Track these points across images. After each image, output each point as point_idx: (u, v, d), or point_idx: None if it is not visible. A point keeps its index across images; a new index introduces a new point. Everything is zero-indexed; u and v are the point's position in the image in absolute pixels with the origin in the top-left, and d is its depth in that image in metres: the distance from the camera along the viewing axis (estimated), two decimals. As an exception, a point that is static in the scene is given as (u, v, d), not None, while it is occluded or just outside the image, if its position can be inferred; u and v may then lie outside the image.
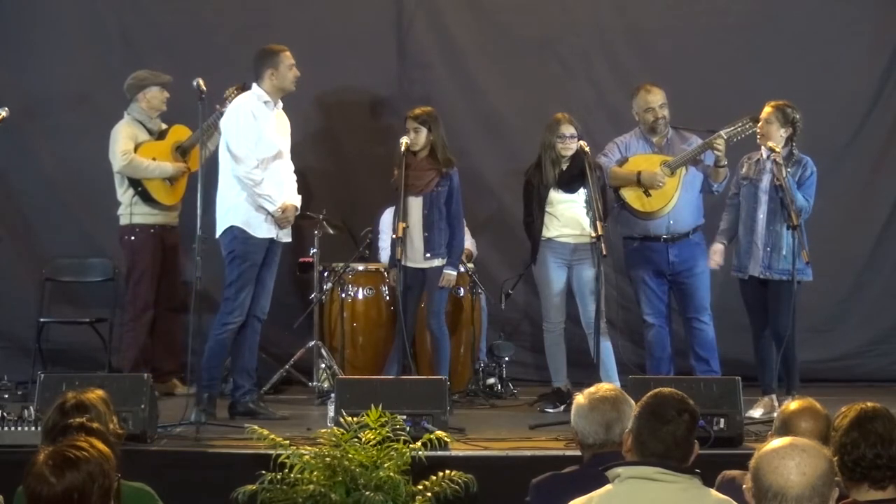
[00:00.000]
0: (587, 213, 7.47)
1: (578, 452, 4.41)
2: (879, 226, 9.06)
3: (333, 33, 9.01)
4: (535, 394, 7.99)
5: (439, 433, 5.74)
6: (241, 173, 7.04)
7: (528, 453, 6.14)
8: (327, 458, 5.33)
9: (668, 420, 3.60)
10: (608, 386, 4.45)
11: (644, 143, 7.72)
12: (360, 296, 8.30)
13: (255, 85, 7.18)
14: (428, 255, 7.59)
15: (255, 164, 7.05)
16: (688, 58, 8.97)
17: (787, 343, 7.04)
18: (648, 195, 7.57)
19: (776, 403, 6.91)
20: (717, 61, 8.94)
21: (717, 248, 7.49)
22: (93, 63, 8.94)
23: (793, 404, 4.01)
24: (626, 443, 3.72)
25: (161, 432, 6.39)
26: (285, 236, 7.25)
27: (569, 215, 7.54)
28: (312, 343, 8.09)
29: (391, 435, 5.44)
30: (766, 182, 7.17)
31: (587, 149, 7.36)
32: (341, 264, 8.32)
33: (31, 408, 5.98)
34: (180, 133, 8.17)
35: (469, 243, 8.30)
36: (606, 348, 7.46)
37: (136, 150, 8.00)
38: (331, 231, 8.33)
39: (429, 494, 5.34)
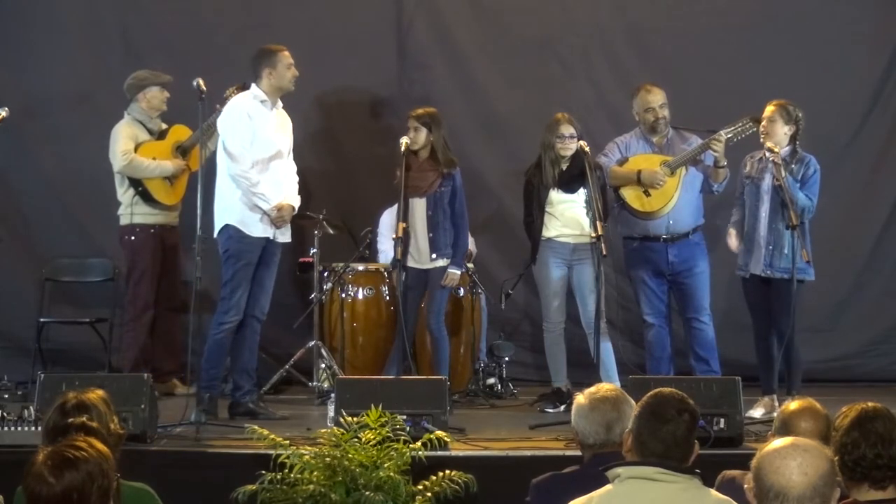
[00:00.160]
0: (587, 214, 7.47)
1: (578, 452, 4.41)
2: (879, 226, 9.07)
3: (333, 33, 9.01)
4: (535, 394, 7.99)
5: (439, 433, 5.74)
6: (235, 172, 7.03)
7: (528, 453, 6.14)
8: (327, 458, 5.33)
9: (668, 420, 3.60)
10: (608, 386, 4.45)
11: (644, 143, 7.72)
12: (360, 296, 8.29)
13: (253, 85, 7.17)
14: (434, 255, 7.60)
15: (250, 163, 7.04)
16: (688, 58, 8.97)
17: (787, 342, 7.03)
18: (648, 195, 7.57)
19: (776, 403, 6.91)
20: (717, 61, 8.94)
21: (732, 233, 7.48)
22: (93, 63, 8.95)
23: (793, 404, 4.01)
24: (626, 443, 3.72)
25: (161, 432, 6.38)
26: (282, 236, 7.23)
27: (568, 215, 7.54)
28: (312, 343, 8.08)
29: (391, 435, 5.44)
30: (767, 181, 7.17)
31: (587, 149, 7.36)
32: (341, 264, 8.32)
33: (31, 408, 5.97)
34: (180, 133, 8.17)
35: (469, 243, 8.29)
36: (606, 348, 7.46)
37: (136, 149, 8.00)
38: (331, 231, 8.33)
39: (429, 494, 5.34)
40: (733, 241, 7.47)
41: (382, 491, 5.25)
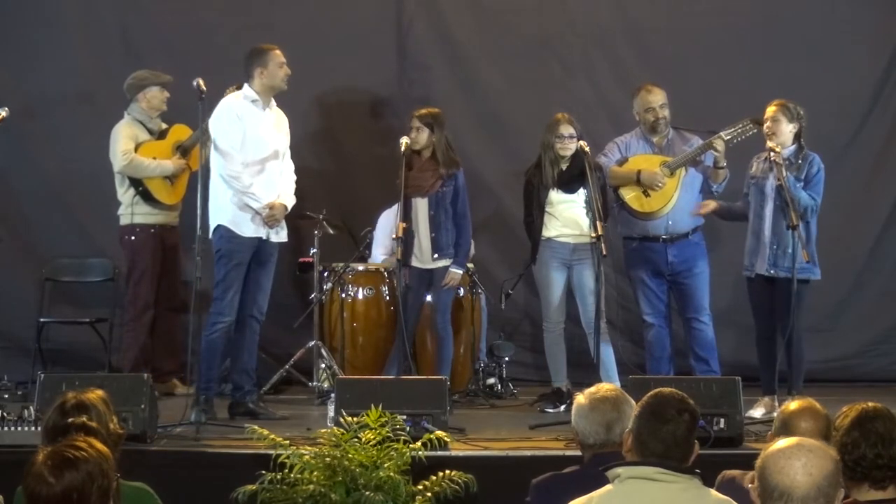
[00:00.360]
0: (587, 214, 7.46)
1: (578, 452, 4.41)
2: (879, 226, 9.07)
3: (333, 33, 9.01)
4: (535, 394, 7.99)
5: (439, 433, 5.73)
6: (225, 172, 7.03)
7: (528, 453, 6.13)
8: (327, 458, 5.33)
9: (668, 420, 3.60)
10: (609, 386, 4.45)
11: (644, 144, 7.72)
12: (360, 296, 8.29)
13: (245, 85, 7.16)
14: (436, 255, 7.60)
15: (240, 163, 7.02)
16: (688, 58, 8.97)
17: (788, 340, 7.03)
18: (647, 195, 7.57)
19: (777, 403, 6.91)
20: (717, 61, 8.95)
21: (710, 203, 7.50)
22: (93, 63, 8.95)
23: (793, 404, 4.00)
24: (626, 443, 3.72)
25: (161, 432, 6.38)
26: (277, 236, 7.20)
27: (568, 215, 7.54)
28: (312, 343, 8.08)
29: (391, 435, 5.44)
30: (771, 181, 7.16)
31: (587, 149, 7.36)
32: (341, 264, 8.32)
33: (31, 408, 5.97)
34: (181, 133, 8.17)
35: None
36: (606, 349, 7.46)
37: (136, 149, 8.00)
38: (331, 231, 8.32)
39: (429, 494, 5.34)
40: (706, 209, 7.52)
41: (382, 491, 5.25)
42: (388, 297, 8.24)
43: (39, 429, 4.75)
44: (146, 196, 8.01)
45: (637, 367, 7.87)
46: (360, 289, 8.29)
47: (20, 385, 8.03)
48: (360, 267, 8.38)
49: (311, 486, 5.25)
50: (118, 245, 8.22)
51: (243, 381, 7.15)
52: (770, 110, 7.26)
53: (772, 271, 7.18)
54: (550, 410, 7.45)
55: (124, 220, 8.08)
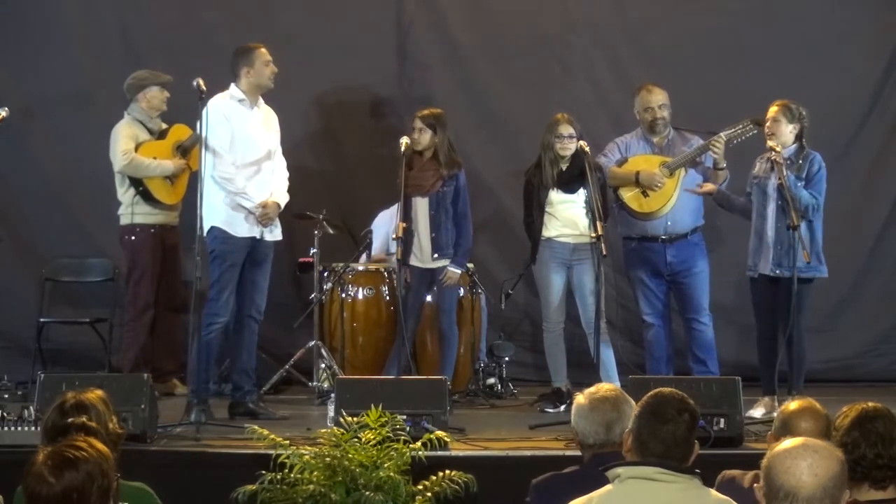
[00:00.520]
0: (586, 214, 7.46)
1: (578, 452, 4.41)
2: (879, 226, 9.07)
3: (333, 33, 9.01)
4: (535, 394, 7.99)
5: (439, 433, 5.73)
6: (216, 173, 7.02)
7: (528, 453, 6.13)
8: (327, 458, 5.33)
9: (668, 420, 3.60)
10: (608, 386, 4.44)
11: (645, 144, 7.72)
12: (360, 296, 8.29)
13: (232, 84, 7.15)
14: (436, 255, 7.61)
15: (231, 163, 7.01)
16: (688, 58, 8.97)
17: (789, 339, 7.02)
18: (646, 196, 7.57)
19: (777, 404, 6.90)
20: (717, 61, 8.95)
21: (708, 184, 7.50)
22: (93, 63, 8.95)
23: (793, 404, 4.00)
24: (626, 443, 3.72)
25: (161, 432, 6.38)
26: (270, 234, 7.18)
27: (568, 215, 7.53)
28: (312, 343, 8.08)
29: (391, 435, 5.44)
30: (773, 181, 7.16)
31: (587, 149, 7.36)
32: (341, 264, 8.32)
33: (31, 408, 5.97)
34: (181, 132, 8.17)
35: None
36: (606, 349, 7.46)
37: (136, 149, 8.00)
38: (331, 231, 8.32)
39: (429, 494, 5.34)
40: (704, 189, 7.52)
41: (382, 491, 5.25)
42: (388, 297, 8.24)
43: (39, 429, 4.74)
44: (146, 196, 8.00)
45: (637, 367, 7.87)
46: (360, 289, 8.29)
47: (20, 385, 8.03)
48: (360, 267, 8.38)
49: (311, 486, 5.25)
50: (118, 245, 8.21)
51: (243, 382, 7.15)
52: (772, 110, 7.25)
53: (776, 271, 7.17)
54: (550, 410, 7.45)
55: (124, 220, 8.08)
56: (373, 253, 8.48)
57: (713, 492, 3.57)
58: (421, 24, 9.19)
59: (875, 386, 8.51)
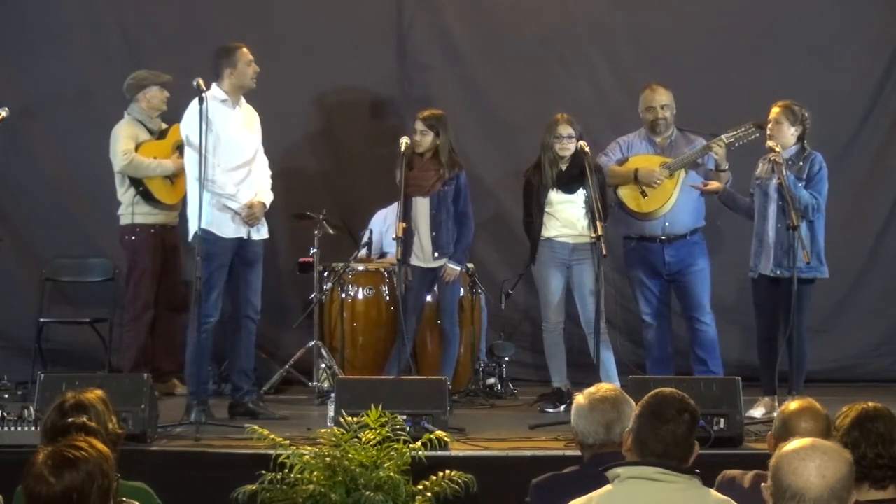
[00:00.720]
0: (586, 214, 7.46)
1: (578, 452, 4.41)
2: (879, 225, 9.07)
3: (333, 33, 9.00)
4: (535, 394, 7.98)
5: (439, 433, 5.74)
6: (199, 175, 7.00)
7: (528, 453, 6.14)
8: (327, 458, 5.34)
9: (668, 420, 3.59)
10: (608, 386, 4.45)
11: (647, 144, 7.71)
12: (360, 296, 8.29)
13: (213, 84, 7.10)
14: (436, 254, 7.61)
15: (212, 164, 6.99)
16: (688, 58, 8.96)
17: (789, 339, 7.02)
18: (645, 195, 7.56)
19: (777, 404, 6.90)
20: (717, 61, 8.94)
21: (713, 182, 7.49)
22: (93, 63, 8.95)
23: (793, 404, 4.00)
24: (626, 443, 3.72)
25: (161, 432, 6.39)
26: (257, 233, 7.14)
27: (567, 216, 7.53)
28: (312, 343, 8.08)
29: (391, 435, 5.44)
30: (774, 182, 7.16)
31: (587, 149, 7.36)
32: (341, 264, 8.32)
33: (31, 408, 5.98)
34: (181, 132, 8.16)
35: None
36: (606, 349, 7.46)
37: (136, 149, 8.00)
38: (331, 231, 8.32)
39: (429, 494, 5.35)
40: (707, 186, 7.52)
41: (382, 491, 5.25)
42: (388, 297, 8.24)
43: (39, 429, 4.74)
44: (146, 196, 8.00)
45: (637, 367, 7.87)
46: (360, 289, 8.29)
47: (20, 385, 8.03)
48: (360, 267, 8.38)
49: (311, 486, 5.25)
50: (118, 245, 8.21)
51: (242, 382, 7.15)
52: (774, 111, 7.24)
53: (777, 272, 7.16)
54: (550, 410, 7.45)
55: (124, 220, 8.08)
56: (370, 253, 8.48)
57: (713, 492, 3.57)
58: (421, 24, 9.18)
59: (875, 386, 8.50)
